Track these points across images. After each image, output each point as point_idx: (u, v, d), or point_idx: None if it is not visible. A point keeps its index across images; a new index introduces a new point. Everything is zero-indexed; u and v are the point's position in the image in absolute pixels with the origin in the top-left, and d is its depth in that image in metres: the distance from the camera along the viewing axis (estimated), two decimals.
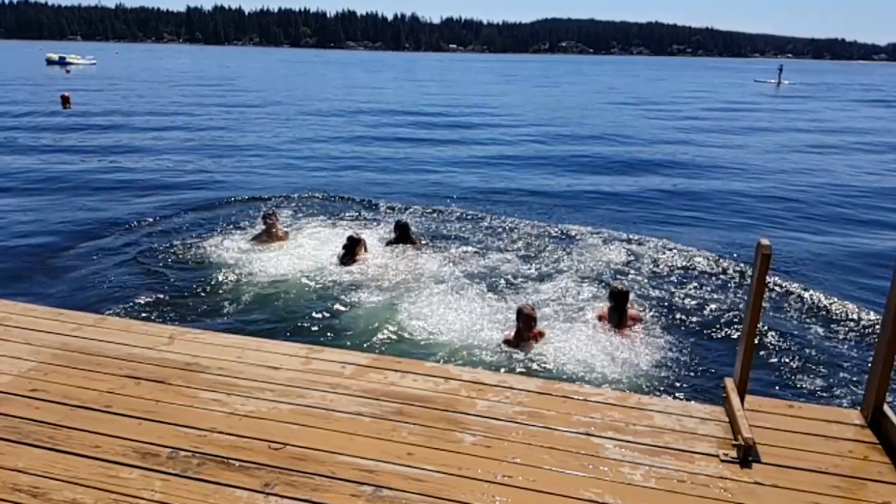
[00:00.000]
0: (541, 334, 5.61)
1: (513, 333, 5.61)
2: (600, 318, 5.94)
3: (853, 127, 24.17)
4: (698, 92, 44.73)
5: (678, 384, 4.92)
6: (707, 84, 56.82)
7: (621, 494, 2.80)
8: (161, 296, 6.40)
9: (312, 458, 2.89)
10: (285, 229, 8.54)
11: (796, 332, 5.93)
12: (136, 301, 6.23)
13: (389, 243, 8.22)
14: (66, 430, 2.96)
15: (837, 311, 6.45)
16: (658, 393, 4.71)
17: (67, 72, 53.86)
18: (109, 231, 8.89)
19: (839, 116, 28.07)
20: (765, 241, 3.36)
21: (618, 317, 5.83)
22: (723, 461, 3.10)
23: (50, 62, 64.10)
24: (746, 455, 3.12)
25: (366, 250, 7.75)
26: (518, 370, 5.16)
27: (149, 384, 3.42)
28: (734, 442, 3.22)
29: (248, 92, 36.39)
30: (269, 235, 8.22)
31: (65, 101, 27.40)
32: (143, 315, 5.72)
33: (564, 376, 5.03)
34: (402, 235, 8.23)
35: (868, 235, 9.66)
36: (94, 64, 66.61)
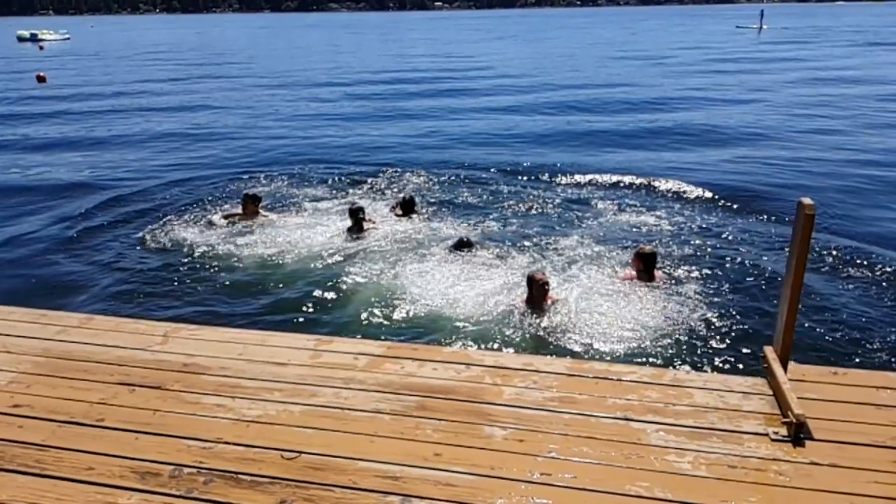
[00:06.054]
0: (554, 301, 5.35)
1: (522, 299, 5.37)
2: (626, 281, 5.65)
3: (866, 76, 22.61)
4: (687, 42, 43.10)
5: (712, 353, 4.67)
6: (696, 32, 54.97)
7: (671, 486, 2.56)
8: (151, 289, 6.02)
9: (331, 466, 2.63)
10: (266, 213, 8.04)
11: (829, 292, 5.65)
12: (124, 296, 5.86)
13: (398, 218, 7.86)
14: (55, 451, 2.68)
15: (873, 271, 6.13)
16: (691, 363, 4.47)
17: (41, 48, 52.12)
18: (90, 221, 8.35)
19: (838, 64, 26.86)
20: (807, 201, 3.06)
21: (645, 280, 5.55)
22: (774, 440, 2.88)
23: (21, 39, 62.08)
24: (798, 433, 2.89)
25: (369, 221, 7.40)
26: (540, 339, 4.92)
27: (144, 391, 3.13)
28: (784, 419, 2.98)
29: (230, 64, 35.06)
30: (246, 216, 7.82)
31: (40, 80, 26.40)
32: (133, 312, 5.35)
33: (592, 348, 4.78)
34: (408, 212, 7.87)
35: None
36: (68, 39, 64.39)
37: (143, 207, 8.84)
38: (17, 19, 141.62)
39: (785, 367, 3.31)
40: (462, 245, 6.67)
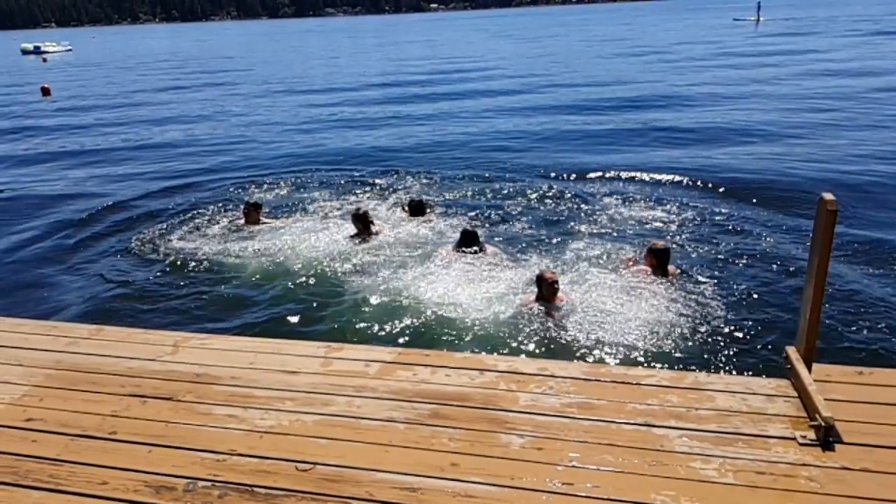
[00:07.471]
0: (565, 301, 5.27)
1: (533, 299, 5.30)
2: (639, 278, 5.55)
3: (871, 67, 22.12)
4: (686, 37, 42.68)
5: (731, 353, 4.56)
6: (694, 26, 54.46)
7: (698, 495, 2.49)
8: (158, 299, 5.97)
9: (346, 477, 2.57)
10: (268, 220, 8.01)
11: (851, 288, 5.50)
12: (132, 307, 5.81)
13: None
14: (69, 466, 2.64)
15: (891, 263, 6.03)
16: (709, 363, 4.38)
17: (44, 60, 52.58)
18: (94, 232, 8.27)
19: (841, 55, 26.52)
20: (829, 196, 2.97)
21: (658, 277, 5.46)
22: (802, 445, 2.79)
23: (25, 52, 62.79)
24: (827, 436, 2.81)
25: (376, 224, 7.36)
26: (553, 340, 4.85)
27: (156, 402, 3.08)
28: (811, 422, 2.90)
29: (230, 71, 35.14)
30: (248, 224, 7.79)
31: (45, 92, 26.53)
32: (142, 322, 5.30)
33: (606, 348, 4.69)
34: (417, 214, 7.81)
35: None
36: (70, 50, 65.04)
37: (147, 218, 8.78)
38: (21, 32, 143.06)
39: (809, 368, 3.23)
40: (467, 238, 6.41)
